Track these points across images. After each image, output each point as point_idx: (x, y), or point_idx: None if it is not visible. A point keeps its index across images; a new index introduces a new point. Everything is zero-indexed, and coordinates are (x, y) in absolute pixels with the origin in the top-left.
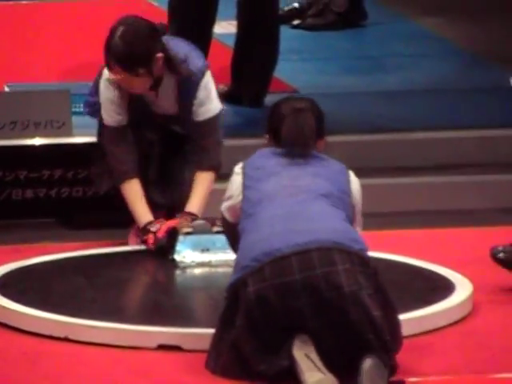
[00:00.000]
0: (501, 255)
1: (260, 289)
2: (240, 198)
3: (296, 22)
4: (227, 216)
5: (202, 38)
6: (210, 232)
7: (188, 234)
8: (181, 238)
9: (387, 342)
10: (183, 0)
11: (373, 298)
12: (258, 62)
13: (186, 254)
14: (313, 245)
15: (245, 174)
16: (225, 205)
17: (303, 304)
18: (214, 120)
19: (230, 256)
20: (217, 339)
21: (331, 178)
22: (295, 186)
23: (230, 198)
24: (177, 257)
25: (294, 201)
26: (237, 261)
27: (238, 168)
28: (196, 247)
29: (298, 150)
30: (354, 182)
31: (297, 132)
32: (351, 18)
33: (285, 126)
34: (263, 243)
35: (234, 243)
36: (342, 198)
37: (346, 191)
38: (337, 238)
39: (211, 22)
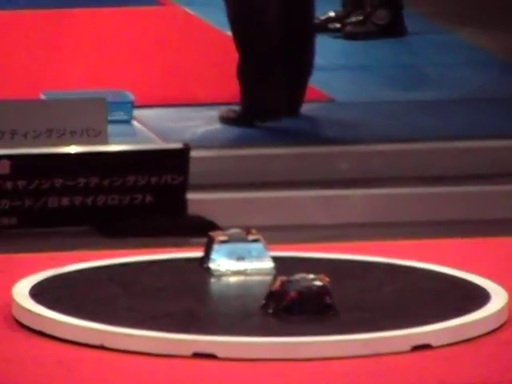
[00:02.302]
0: None
1: None
2: None
3: (333, 26)
4: None
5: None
6: (245, 240)
7: (223, 242)
8: (216, 246)
9: None
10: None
11: None
12: (295, 71)
13: (220, 262)
14: None
15: None
16: None
17: None
18: None
19: (266, 264)
20: None
21: None
22: None
23: None
24: (212, 265)
25: None
26: None
27: None
28: (231, 256)
29: None
30: None
31: None
32: (391, 31)
33: None
34: None
35: None
36: None
37: None
38: None
39: None
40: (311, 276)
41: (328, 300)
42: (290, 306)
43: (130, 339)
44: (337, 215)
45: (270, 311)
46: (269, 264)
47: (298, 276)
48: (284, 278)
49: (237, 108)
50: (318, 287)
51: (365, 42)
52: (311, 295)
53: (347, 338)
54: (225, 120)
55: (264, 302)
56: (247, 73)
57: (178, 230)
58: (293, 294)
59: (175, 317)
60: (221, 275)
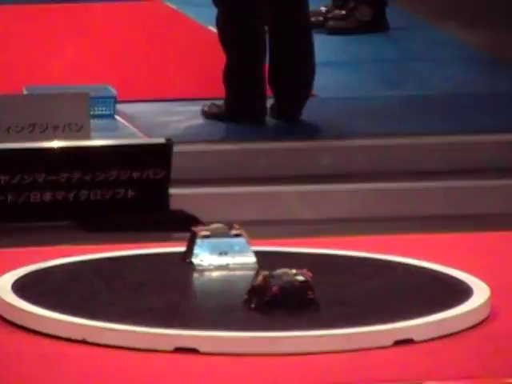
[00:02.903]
0: None
1: None
2: None
3: (315, 19)
4: None
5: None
6: (228, 235)
7: (206, 237)
8: (198, 241)
9: None
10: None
11: None
12: (297, 72)
13: (203, 257)
14: None
15: None
16: None
17: None
18: None
19: (248, 259)
20: None
21: None
22: None
23: None
24: (194, 260)
25: None
26: None
27: None
28: (214, 250)
29: None
30: None
31: None
32: (373, 27)
33: None
34: None
35: None
36: None
37: None
38: None
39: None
40: (293, 271)
41: (310, 295)
42: (273, 300)
43: (111, 334)
44: (320, 210)
45: (253, 306)
46: (251, 259)
47: (280, 271)
48: (266, 272)
49: (220, 103)
50: (301, 282)
51: (347, 37)
52: (293, 290)
53: (329, 332)
54: (207, 115)
55: (246, 296)
56: (233, 76)
57: (161, 224)
58: (275, 288)
59: (157, 311)
60: (203, 270)
